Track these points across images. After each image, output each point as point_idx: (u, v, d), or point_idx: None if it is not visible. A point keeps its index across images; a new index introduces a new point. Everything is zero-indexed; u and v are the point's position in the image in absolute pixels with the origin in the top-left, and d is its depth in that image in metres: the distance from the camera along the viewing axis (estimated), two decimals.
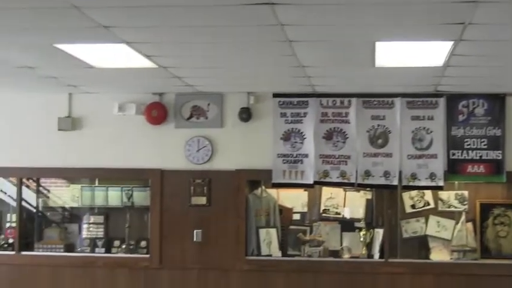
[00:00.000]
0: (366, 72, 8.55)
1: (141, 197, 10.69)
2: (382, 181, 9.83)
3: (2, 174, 10.87)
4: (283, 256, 10.29)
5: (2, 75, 9.14)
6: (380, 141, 9.85)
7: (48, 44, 7.26)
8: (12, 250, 10.58)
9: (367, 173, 9.82)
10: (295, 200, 10.76)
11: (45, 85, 9.71)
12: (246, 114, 10.12)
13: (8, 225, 10.93)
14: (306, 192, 10.69)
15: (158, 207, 10.26)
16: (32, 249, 10.60)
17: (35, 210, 11.04)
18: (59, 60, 8.04)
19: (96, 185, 10.98)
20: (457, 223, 10.23)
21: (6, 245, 10.67)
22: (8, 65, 8.40)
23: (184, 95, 10.20)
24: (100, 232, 10.73)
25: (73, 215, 11.21)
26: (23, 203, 10.77)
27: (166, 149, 10.28)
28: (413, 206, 10.44)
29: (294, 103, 10.01)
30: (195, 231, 10.19)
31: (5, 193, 11.14)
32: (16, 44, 7.34)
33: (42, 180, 11.16)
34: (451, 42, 6.99)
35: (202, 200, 10.21)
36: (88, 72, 8.68)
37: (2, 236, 10.81)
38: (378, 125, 9.85)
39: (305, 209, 10.78)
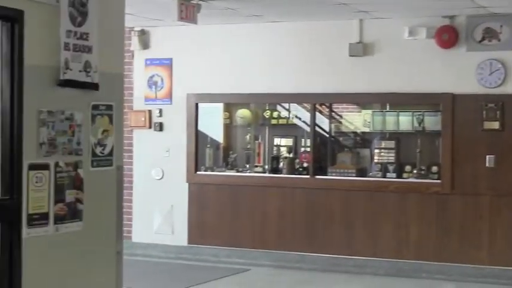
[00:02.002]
0: None
1: (432, 121, 10.62)
2: None
3: (296, 100, 11.25)
4: None
5: (296, 5, 9.40)
6: None
7: None
8: (307, 174, 10.95)
9: None
10: None
11: (336, 12, 9.87)
12: None
13: (302, 149, 11.34)
14: None
15: (449, 132, 10.15)
16: (325, 173, 10.90)
17: (327, 135, 11.32)
18: None
19: (387, 109, 11.05)
20: None
21: (301, 169, 11.06)
22: None
23: (476, 17, 9.94)
24: (391, 157, 10.79)
25: (364, 140, 11.38)
26: (317, 128, 11.09)
27: (458, 73, 10.11)
28: None
29: None
30: (487, 156, 9.99)
31: (300, 119, 11.52)
32: None
33: (334, 105, 11.42)
34: None
35: (495, 125, 9.97)
36: None
37: (297, 160, 11.21)
38: None
39: None
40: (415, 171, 10.53)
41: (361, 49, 10.46)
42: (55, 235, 4.66)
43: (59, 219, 4.68)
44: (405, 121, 10.82)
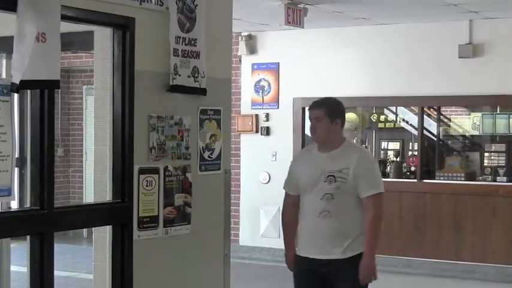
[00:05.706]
0: None
1: None
2: None
3: (404, 103, 11.14)
4: None
5: (404, 6, 9.30)
6: None
7: None
8: (414, 178, 10.82)
9: None
10: None
11: (445, 13, 9.73)
12: None
13: (410, 153, 11.22)
14: None
15: None
16: (433, 177, 10.75)
17: (435, 139, 11.16)
18: None
19: (497, 112, 10.82)
20: None
21: (408, 173, 10.95)
22: None
23: None
24: (501, 161, 10.57)
25: (473, 143, 11.18)
26: (424, 132, 10.95)
27: None
28: None
29: None
30: None
31: (407, 122, 11.41)
32: None
33: (442, 108, 11.25)
34: None
35: None
36: None
37: (405, 164, 11.11)
38: None
39: None
40: None
41: (470, 50, 10.27)
42: (164, 238, 4.74)
43: (168, 222, 4.76)
44: None
